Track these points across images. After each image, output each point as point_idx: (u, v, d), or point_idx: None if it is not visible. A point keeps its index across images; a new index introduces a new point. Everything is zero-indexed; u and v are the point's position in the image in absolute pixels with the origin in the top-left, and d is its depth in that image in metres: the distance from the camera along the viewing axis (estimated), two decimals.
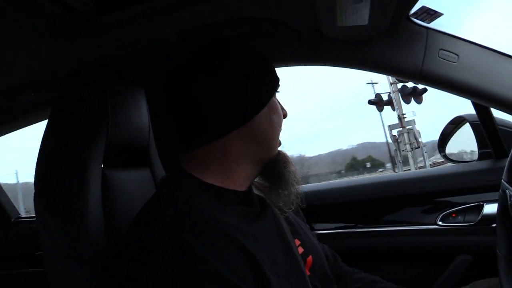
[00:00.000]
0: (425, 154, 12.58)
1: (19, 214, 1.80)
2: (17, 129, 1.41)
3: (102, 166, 0.92)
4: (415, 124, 12.19)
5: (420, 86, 11.12)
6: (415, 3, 1.00)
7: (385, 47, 1.10)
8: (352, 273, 1.09)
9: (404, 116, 12.14)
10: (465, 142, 1.64)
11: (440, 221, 1.41)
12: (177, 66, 0.83)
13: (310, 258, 0.93)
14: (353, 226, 1.56)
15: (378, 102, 11.30)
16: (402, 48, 1.10)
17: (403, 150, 12.32)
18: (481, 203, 1.37)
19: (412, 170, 11.85)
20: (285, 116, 0.89)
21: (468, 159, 1.62)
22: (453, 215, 1.40)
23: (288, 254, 0.82)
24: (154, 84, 1.15)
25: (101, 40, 0.98)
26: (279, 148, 0.88)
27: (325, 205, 1.56)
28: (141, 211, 0.76)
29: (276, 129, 0.84)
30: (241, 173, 0.81)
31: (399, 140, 12.28)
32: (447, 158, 1.64)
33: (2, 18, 0.82)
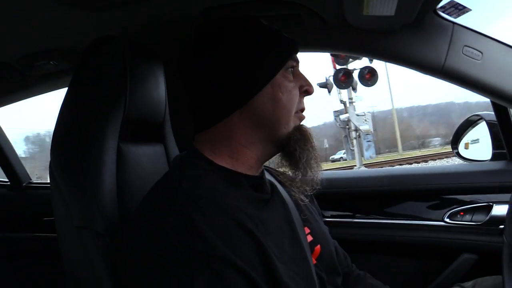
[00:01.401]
0: (367, 144, 11.34)
1: (31, 179, 1.83)
2: (33, 96, 1.42)
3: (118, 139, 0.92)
4: (354, 111, 10.55)
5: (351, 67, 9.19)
6: None
7: (409, 39, 1.08)
8: (363, 278, 1.08)
9: (352, 101, 11.01)
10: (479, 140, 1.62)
11: (447, 218, 1.41)
12: (183, 46, 0.83)
13: (318, 247, 0.92)
14: (358, 217, 1.56)
15: (327, 85, 10.37)
16: (426, 41, 1.08)
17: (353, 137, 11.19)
18: (491, 203, 1.36)
19: (357, 163, 10.95)
20: (308, 92, 0.85)
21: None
22: (461, 213, 1.40)
23: (295, 243, 0.81)
24: (173, 60, 1.14)
25: (123, 13, 0.98)
26: (302, 123, 0.85)
27: (332, 194, 1.56)
28: (152, 189, 0.76)
29: (284, 109, 0.79)
30: (250, 155, 0.80)
31: (348, 127, 11.22)
32: (460, 156, 1.63)
33: None
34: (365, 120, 10.72)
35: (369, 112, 10.82)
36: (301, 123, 0.84)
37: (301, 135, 0.82)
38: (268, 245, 0.70)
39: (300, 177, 0.82)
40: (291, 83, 0.81)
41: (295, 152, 0.80)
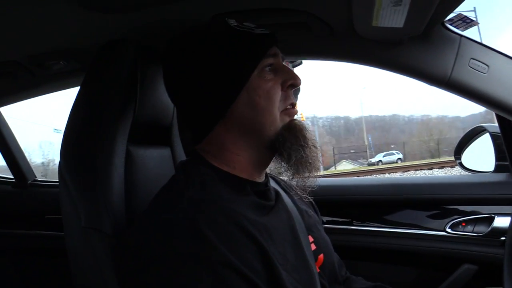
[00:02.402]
0: None
1: (36, 177, 1.84)
2: (42, 94, 1.43)
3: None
4: None
5: None
6: (453, 10, 0.99)
7: (416, 50, 1.09)
8: (356, 280, 1.09)
9: None
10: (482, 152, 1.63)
11: (449, 228, 1.41)
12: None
13: (321, 256, 0.93)
14: (356, 224, 1.56)
15: None
16: (433, 53, 1.08)
17: None
18: (492, 215, 1.37)
19: None
20: (294, 85, 0.80)
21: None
22: (463, 224, 1.40)
23: (298, 250, 0.81)
24: None
25: (134, 17, 0.99)
26: (296, 117, 0.81)
27: (330, 200, 1.57)
28: (158, 194, 0.77)
29: (264, 111, 0.76)
30: (245, 162, 0.80)
31: None
32: (463, 167, 1.63)
33: None
34: None
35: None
36: (293, 118, 0.81)
37: (290, 133, 0.78)
38: (272, 252, 0.70)
39: (294, 177, 0.80)
40: (269, 83, 0.77)
41: (283, 153, 0.77)
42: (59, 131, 15.11)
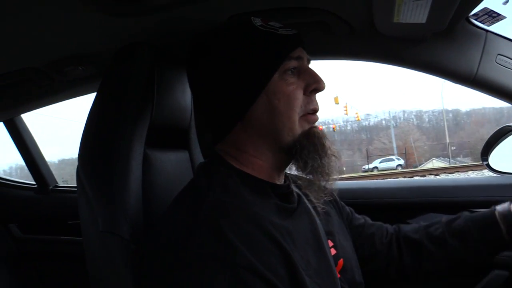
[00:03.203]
0: None
1: (57, 183, 1.86)
2: (61, 101, 1.45)
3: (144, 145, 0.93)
4: None
5: None
6: (478, 4, 0.95)
7: (440, 47, 1.05)
8: (400, 226, 1.08)
9: None
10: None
11: None
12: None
13: (341, 261, 0.90)
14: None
15: None
16: (458, 50, 1.05)
17: None
18: None
19: None
20: (318, 90, 0.77)
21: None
22: None
23: (320, 254, 0.79)
24: None
25: (151, 20, 0.99)
26: (317, 124, 0.78)
27: (351, 204, 1.53)
28: (179, 196, 0.75)
29: (282, 116, 0.74)
30: (263, 164, 0.78)
31: None
32: (490, 168, 1.57)
33: None
34: None
35: None
36: (313, 125, 0.78)
37: (308, 141, 0.75)
38: (295, 256, 0.68)
39: (309, 185, 0.79)
40: (291, 86, 0.75)
41: (300, 160, 0.75)
42: None
